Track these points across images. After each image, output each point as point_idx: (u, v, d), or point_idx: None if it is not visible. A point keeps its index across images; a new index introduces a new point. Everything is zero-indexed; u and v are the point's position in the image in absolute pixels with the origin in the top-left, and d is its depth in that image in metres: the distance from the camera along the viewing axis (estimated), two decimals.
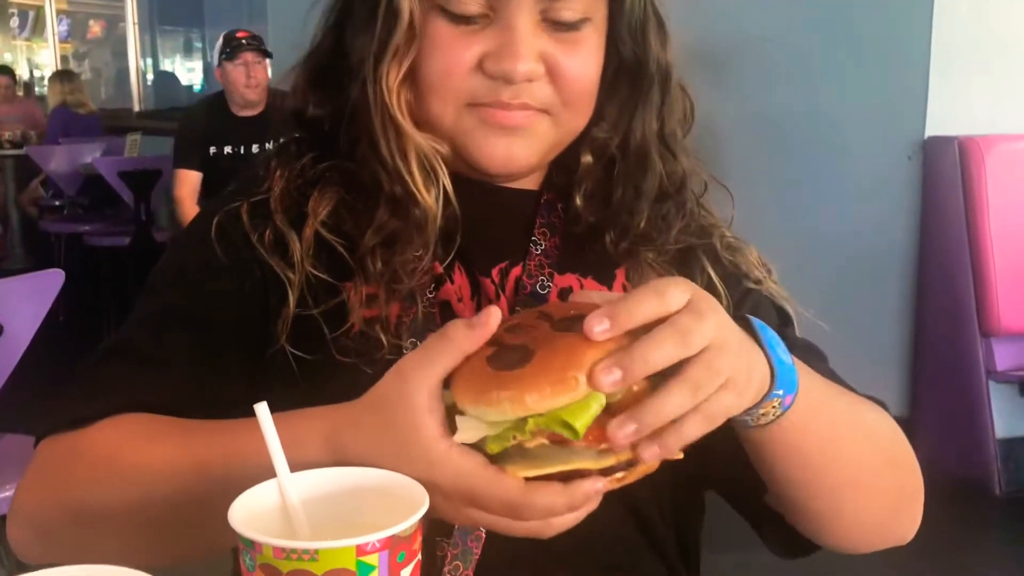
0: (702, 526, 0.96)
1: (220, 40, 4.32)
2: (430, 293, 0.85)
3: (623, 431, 0.59)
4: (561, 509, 0.62)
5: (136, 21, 8.49)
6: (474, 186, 0.86)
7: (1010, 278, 3.27)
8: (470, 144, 0.84)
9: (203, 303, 0.87)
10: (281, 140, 0.93)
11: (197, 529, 0.73)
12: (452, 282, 0.86)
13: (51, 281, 2.25)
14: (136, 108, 8.30)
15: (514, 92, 0.81)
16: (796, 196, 3.63)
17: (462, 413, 0.62)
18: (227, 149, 4.26)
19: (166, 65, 9.20)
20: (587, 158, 0.89)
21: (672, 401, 0.59)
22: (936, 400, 3.52)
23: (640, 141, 0.88)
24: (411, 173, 0.82)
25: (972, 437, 3.37)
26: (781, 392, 0.68)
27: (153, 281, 0.91)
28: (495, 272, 0.88)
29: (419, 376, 0.63)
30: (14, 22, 10.39)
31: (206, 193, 4.23)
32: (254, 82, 4.20)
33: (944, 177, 3.37)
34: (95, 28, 9.78)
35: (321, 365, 0.82)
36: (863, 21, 3.57)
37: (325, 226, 0.85)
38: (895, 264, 3.56)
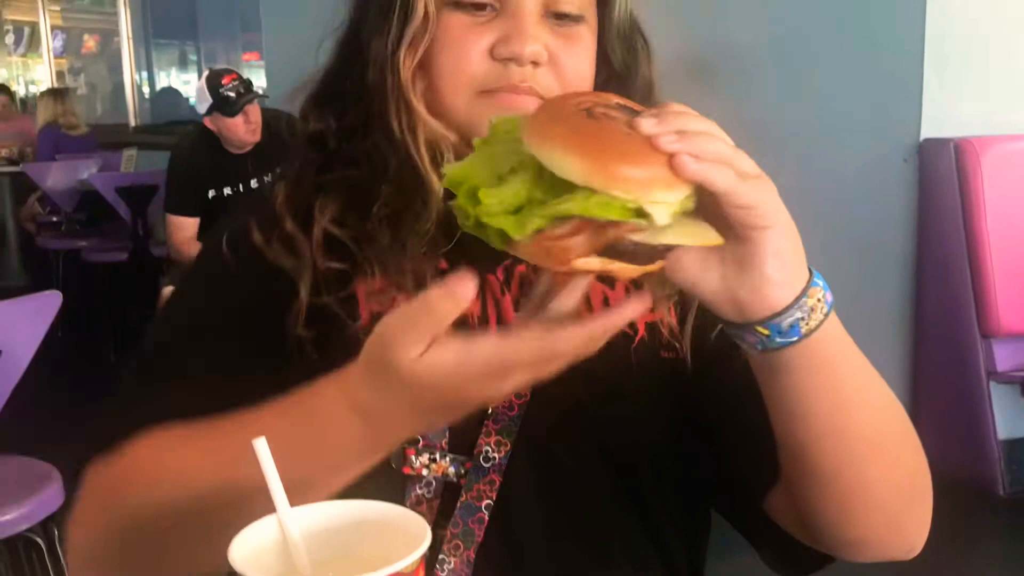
0: (707, 544, 0.96)
1: (203, 85, 4.00)
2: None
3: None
4: (582, 343, 0.64)
5: (131, 35, 8.47)
6: None
7: (1009, 279, 3.27)
8: (483, 130, 0.85)
9: (221, 313, 0.90)
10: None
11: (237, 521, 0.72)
12: None
13: (49, 303, 2.26)
14: (132, 123, 8.29)
15: (522, 75, 0.85)
16: (791, 201, 3.62)
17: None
18: (227, 190, 4.02)
19: (161, 78, 9.18)
20: None
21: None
22: (937, 402, 3.51)
23: None
24: (419, 152, 0.86)
25: (975, 439, 3.36)
26: (821, 284, 0.71)
27: (171, 300, 0.96)
28: (500, 270, 0.90)
29: (400, 343, 0.63)
30: (9, 39, 10.38)
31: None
32: (254, 125, 3.98)
33: (940, 179, 3.37)
34: (89, 43, 9.77)
35: (341, 347, 0.82)
36: (855, 24, 3.57)
37: (333, 222, 0.88)
38: (893, 268, 3.56)
